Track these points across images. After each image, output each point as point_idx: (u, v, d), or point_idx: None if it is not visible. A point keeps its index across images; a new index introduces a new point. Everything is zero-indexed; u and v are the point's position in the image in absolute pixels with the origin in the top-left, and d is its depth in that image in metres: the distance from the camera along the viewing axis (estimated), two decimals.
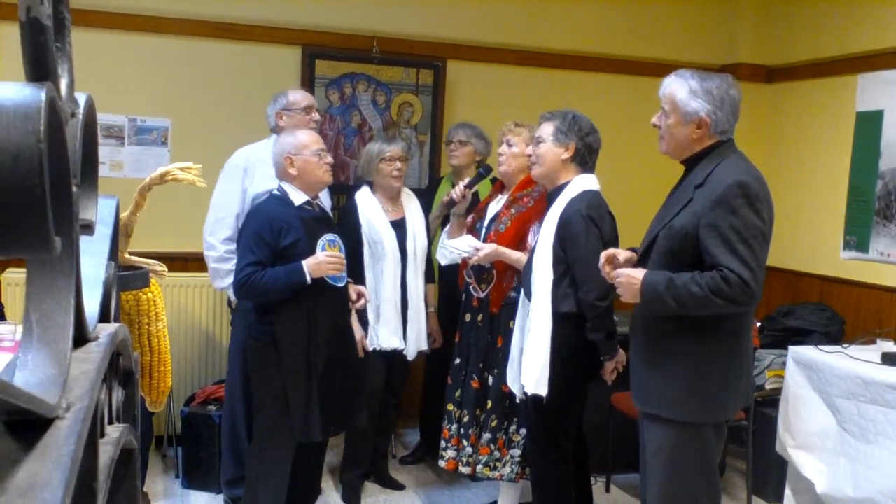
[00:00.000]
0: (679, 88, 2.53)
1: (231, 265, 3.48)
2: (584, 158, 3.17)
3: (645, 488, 2.65)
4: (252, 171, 3.66)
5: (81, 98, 0.48)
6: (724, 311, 2.38)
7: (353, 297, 3.55)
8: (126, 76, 4.40)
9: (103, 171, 4.25)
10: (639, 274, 2.46)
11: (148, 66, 4.43)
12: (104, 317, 0.66)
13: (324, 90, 4.65)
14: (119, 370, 0.84)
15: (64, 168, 0.41)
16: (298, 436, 3.24)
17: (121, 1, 4.32)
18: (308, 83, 4.58)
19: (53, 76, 0.41)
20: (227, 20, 4.49)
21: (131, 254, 1.52)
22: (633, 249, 2.68)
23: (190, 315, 4.53)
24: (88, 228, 0.53)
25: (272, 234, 3.18)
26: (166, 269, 1.54)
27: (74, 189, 0.44)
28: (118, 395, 0.81)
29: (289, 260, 3.18)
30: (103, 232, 0.64)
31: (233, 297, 3.64)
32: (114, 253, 0.69)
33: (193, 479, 4.03)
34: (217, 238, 3.63)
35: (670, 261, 2.45)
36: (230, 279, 3.44)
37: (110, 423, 0.73)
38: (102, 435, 0.64)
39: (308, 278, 3.16)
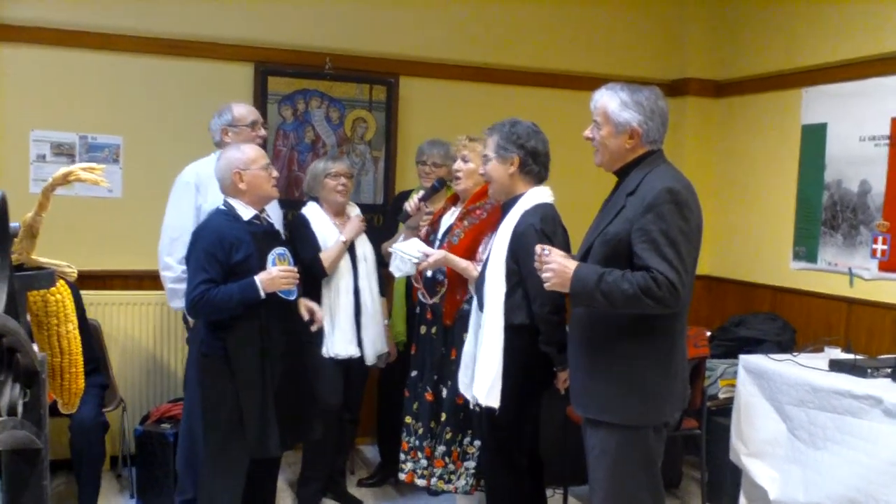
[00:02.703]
0: (610, 101, 2.59)
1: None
2: (531, 167, 3.20)
3: (591, 493, 2.66)
4: (204, 189, 3.63)
5: None
6: (650, 311, 2.42)
7: (306, 315, 3.53)
8: (77, 94, 4.38)
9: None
10: (571, 264, 2.50)
11: (99, 84, 4.41)
12: None
13: (276, 106, 4.66)
14: (16, 366, 0.83)
15: None
16: (255, 450, 3.21)
17: (72, 18, 4.30)
18: (260, 99, 4.59)
19: None
20: (179, 37, 4.48)
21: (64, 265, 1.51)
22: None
23: (143, 333, 4.50)
24: None
25: (223, 251, 3.16)
26: (76, 271, 1.53)
27: None
28: (11, 390, 0.81)
29: (240, 276, 3.16)
30: None
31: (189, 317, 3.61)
32: (1, 247, 0.69)
33: (148, 498, 3.98)
34: (174, 258, 3.59)
35: (606, 267, 2.48)
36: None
37: None
38: None
39: (262, 293, 3.15)
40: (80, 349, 1.53)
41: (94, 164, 1.51)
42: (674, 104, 5.38)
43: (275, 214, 3.67)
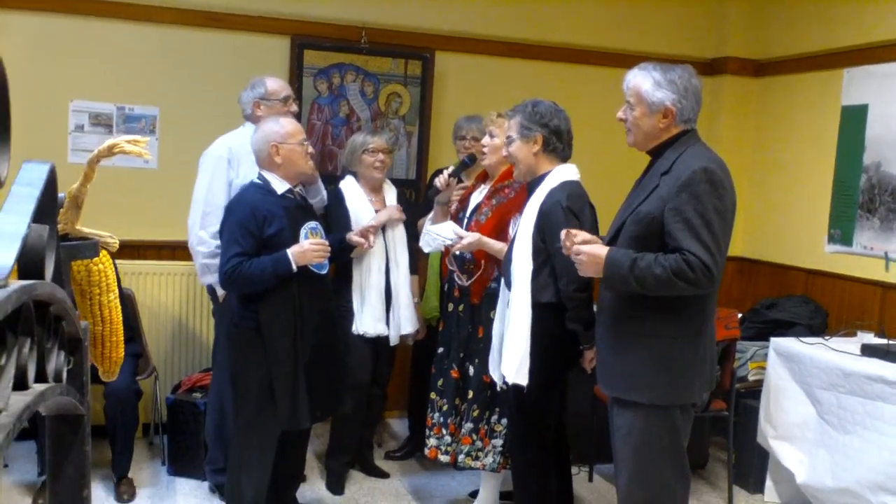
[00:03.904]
0: (643, 81, 2.57)
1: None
2: (555, 144, 3.18)
3: (617, 472, 2.68)
4: (236, 162, 3.63)
5: None
6: (683, 293, 2.42)
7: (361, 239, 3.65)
8: (115, 65, 4.42)
9: None
10: (602, 251, 2.49)
11: (137, 56, 4.45)
12: (35, 275, 0.68)
13: (312, 80, 4.67)
14: (62, 334, 0.86)
15: None
16: (286, 422, 3.25)
17: None
18: (296, 73, 4.60)
19: None
20: (216, 9, 4.50)
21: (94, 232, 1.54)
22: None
23: (176, 303, 4.56)
24: None
25: (256, 224, 3.18)
26: (117, 242, 1.56)
27: None
28: (57, 357, 0.83)
29: (273, 249, 3.19)
30: (28, 192, 0.67)
31: (220, 291, 3.62)
32: (48, 217, 0.71)
33: (179, 466, 4.05)
34: (208, 233, 3.59)
35: (637, 246, 2.48)
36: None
37: (43, 381, 0.75)
38: (27, 387, 0.66)
39: (294, 267, 3.18)
40: (121, 318, 1.56)
41: (138, 137, 1.53)
42: (711, 83, 5.34)
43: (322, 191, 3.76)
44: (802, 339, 3.98)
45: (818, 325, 4.58)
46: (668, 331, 2.51)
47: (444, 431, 3.56)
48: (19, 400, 0.61)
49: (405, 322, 3.93)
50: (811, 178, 4.93)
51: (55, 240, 0.74)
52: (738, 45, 5.36)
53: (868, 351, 3.65)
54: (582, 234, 2.57)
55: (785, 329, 4.52)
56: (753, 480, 4.20)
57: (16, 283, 0.57)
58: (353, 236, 3.67)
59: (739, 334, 3.98)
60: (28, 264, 0.65)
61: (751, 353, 4.34)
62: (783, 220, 5.17)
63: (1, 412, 0.55)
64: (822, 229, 4.83)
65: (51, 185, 0.71)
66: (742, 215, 5.31)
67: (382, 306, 3.86)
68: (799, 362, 3.80)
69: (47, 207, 0.70)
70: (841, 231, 4.70)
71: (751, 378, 4.30)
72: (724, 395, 3.98)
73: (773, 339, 3.99)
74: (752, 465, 4.19)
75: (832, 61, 4.79)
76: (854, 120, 4.62)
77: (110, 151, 1.46)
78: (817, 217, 4.87)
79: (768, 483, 4.08)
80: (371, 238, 3.68)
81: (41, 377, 0.74)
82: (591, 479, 4.29)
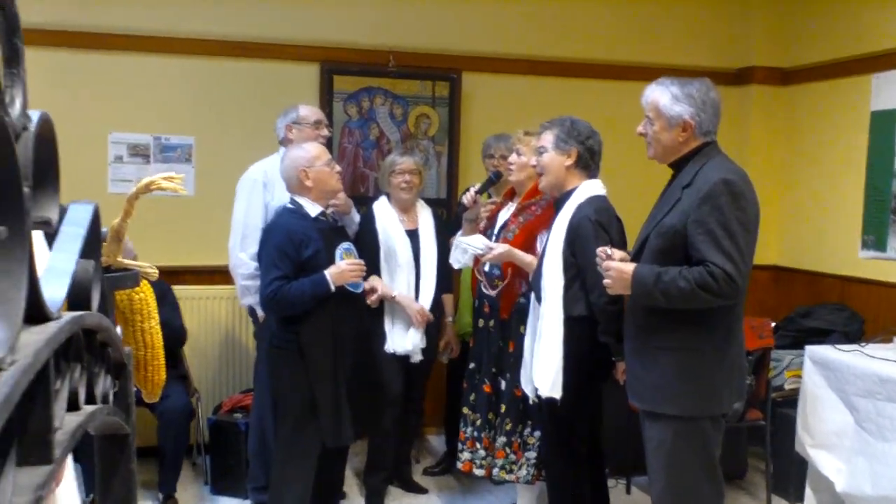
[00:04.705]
0: (661, 95, 2.62)
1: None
2: (587, 162, 3.24)
3: (651, 484, 2.70)
4: (271, 186, 3.74)
5: (36, 115, 0.57)
6: (709, 305, 2.45)
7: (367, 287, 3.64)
8: (151, 97, 4.55)
9: (130, 188, 4.39)
10: (629, 268, 2.53)
11: (171, 87, 4.58)
12: (83, 306, 0.75)
13: (342, 105, 4.77)
14: (108, 359, 0.93)
15: (11, 171, 0.50)
16: (329, 440, 3.32)
17: (145, 24, 4.47)
18: (326, 98, 4.70)
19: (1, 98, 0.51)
20: (247, 39, 4.62)
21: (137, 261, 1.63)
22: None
23: (215, 326, 4.66)
24: (47, 225, 0.62)
25: (294, 248, 3.27)
26: (157, 272, 1.64)
27: (26, 189, 0.53)
28: (104, 381, 0.90)
29: (310, 271, 3.27)
30: (75, 232, 0.74)
31: (260, 312, 3.72)
32: (94, 253, 0.78)
33: (221, 485, 4.14)
34: (247, 254, 3.68)
35: (662, 260, 2.52)
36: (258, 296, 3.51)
37: (92, 403, 0.82)
38: (78, 408, 0.73)
39: (332, 287, 3.26)
40: (162, 343, 1.64)
41: (172, 174, 1.61)
42: (738, 93, 5.36)
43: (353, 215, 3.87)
44: (838, 346, 3.96)
45: (854, 331, 4.55)
46: (695, 342, 2.54)
47: (478, 445, 3.60)
48: (72, 420, 0.68)
49: (411, 340, 3.90)
50: (843, 185, 4.91)
51: (100, 272, 0.81)
52: (764, 55, 5.37)
53: None
54: (619, 253, 2.62)
55: (821, 337, 4.50)
56: (793, 490, 4.18)
57: (67, 315, 0.64)
58: (369, 283, 3.69)
59: (774, 343, 3.97)
60: (76, 296, 0.72)
61: (787, 362, 4.32)
62: (816, 228, 5.15)
63: (57, 430, 0.61)
64: (856, 235, 4.81)
65: (95, 223, 0.78)
66: (775, 223, 5.32)
67: (412, 325, 3.91)
68: (835, 370, 3.78)
69: (92, 244, 0.77)
70: (875, 237, 4.68)
71: (787, 387, 4.28)
72: (761, 405, 3.98)
73: (809, 347, 3.98)
74: (791, 474, 4.16)
75: (860, 67, 4.78)
76: (884, 125, 4.61)
77: (148, 189, 1.54)
78: (850, 223, 4.84)
79: (808, 492, 4.05)
80: (373, 297, 3.70)
81: (90, 399, 0.81)
82: (628, 492, 4.30)
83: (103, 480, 1.04)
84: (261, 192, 3.75)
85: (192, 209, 4.63)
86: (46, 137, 0.58)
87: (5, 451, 0.55)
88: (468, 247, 3.53)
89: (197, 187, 4.63)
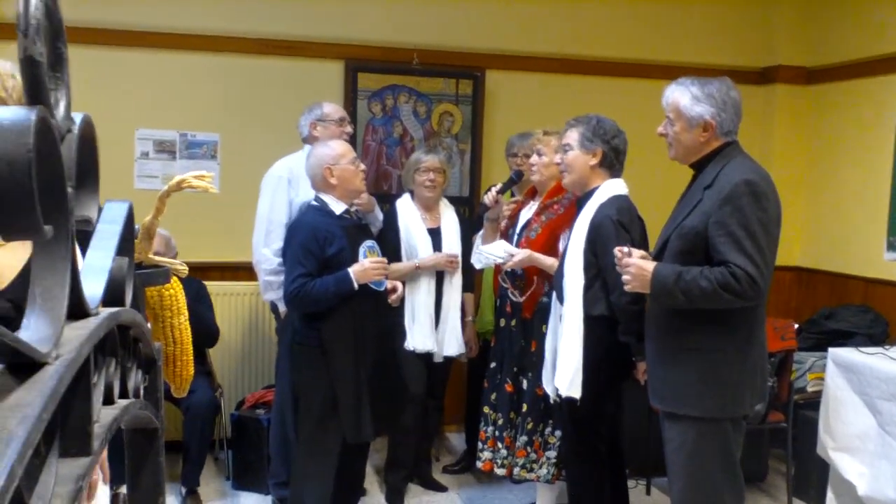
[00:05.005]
0: (681, 96, 2.61)
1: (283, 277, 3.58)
2: (612, 162, 3.24)
3: (670, 485, 2.70)
4: (296, 183, 3.77)
5: (79, 117, 0.59)
6: (730, 306, 2.44)
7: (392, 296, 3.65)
8: (177, 94, 4.60)
9: (156, 183, 4.46)
10: (649, 266, 2.53)
11: (197, 84, 4.62)
12: (116, 302, 0.77)
13: (366, 102, 4.79)
14: (139, 354, 0.95)
15: (56, 172, 0.52)
16: (350, 436, 3.34)
17: (170, 21, 4.52)
18: (350, 96, 4.73)
19: (46, 101, 0.52)
20: (272, 36, 4.66)
21: (170, 258, 1.65)
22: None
23: (239, 322, 4.70)
24: (87, 223, 0.64)
25: (318, 245, 3.29)
26: (187, 269, 1.67)
27: (70, 190, 0.55)
28: (136, 375, 0.92)
29: (334, 269, 3.29)
30: (112, 230, 0.76)
31: (282, 308, 3.75)
32: (127, 250, 0.80)
33: (243, 480, 4.17)
34: (271, 250, 3.72)
35: (683, 261, 2.51)
36: (282, 291, 3.54)
37: (125, 397, 0.84)
38: (112, 402, 0.75)
39: (356, 285, 3.28)
40: (191, 339, 1.67)
41: (203, 172, 1.64)
42: (763, 92, 5.33)
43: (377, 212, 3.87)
44: (862, 348, 3.94)
45: (878, 334, 4.52)
46: (716, 343, 2.54)
47: (499, 445, 3.61)
48: (108, 413, 0.70)
49: (449, 344, 3.97)
50: (868, 185, 4.88)
51: (133, 269, 0.83)
52: (789, 53, 5.34)
53: None
54: (638, 252, 2.62)
55: (844, 339, 4.47)
56: (814, 493, 4.15)
57: (105, 311, 0.66)
58: (391, 282, 3.69)
59: (796, 345, 3.95)
60: (111, 293, 0.74)
61: (809, 364, 4.30)
62: (840, 229, 5.11)
63: (95, 423, 0.63)
64: (881, 236, 4.77)
65: (129, 221, 0.80)
66: (799, 224, 5.29)
67: (431, 324, 3.92)
68: (858, 372, 3.76)
69: (126, 241, 0.79)
70: None
71: (810, 389, 4.26)
72: (783, 407, 3.96)
73: (832, 350, 3.95)
74: (813, 477, 4.14)
75: (886, 66, 4.74)
76: None
77: (179, 187, 1.57)
78: (875, 224, 4.81)
79: (829, 495, 4.02)
80: (393, 296, 3.67)
81: (123, 394, 0.83)
82: (648, 493, 4.29)
83: (133, 472, 1.06)
84: (285, 188, 3.78)
85: (217, 205, 4.65)
86: (88, 139, 0.60)
87: (49, 442, 0.57)
88: (490, 256, 3.53)
89: (222, 184, 4.66)
